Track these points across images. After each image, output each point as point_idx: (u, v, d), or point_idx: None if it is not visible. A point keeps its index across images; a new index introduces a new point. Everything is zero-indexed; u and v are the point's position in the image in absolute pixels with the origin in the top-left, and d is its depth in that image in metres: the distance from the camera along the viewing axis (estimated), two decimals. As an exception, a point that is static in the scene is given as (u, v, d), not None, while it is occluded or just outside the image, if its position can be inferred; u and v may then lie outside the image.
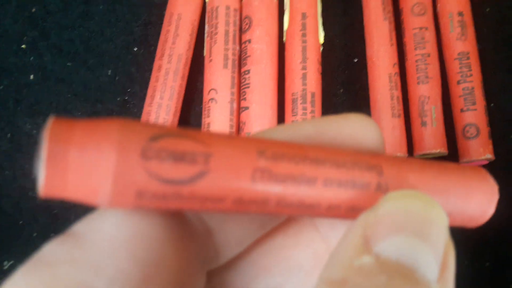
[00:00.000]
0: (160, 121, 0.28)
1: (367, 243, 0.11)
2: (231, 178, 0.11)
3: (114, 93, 0.30)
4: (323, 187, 0.12)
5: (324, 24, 0.30)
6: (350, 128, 0.14)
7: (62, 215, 0.29)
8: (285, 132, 0.13)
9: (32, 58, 0.31)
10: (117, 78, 0.31)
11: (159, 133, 0.10)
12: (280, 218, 0.15)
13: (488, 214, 0.14)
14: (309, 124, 0.14)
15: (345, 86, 0.30)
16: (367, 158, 0.12)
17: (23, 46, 0.32)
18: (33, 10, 0.32)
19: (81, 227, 0.11)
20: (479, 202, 0.14)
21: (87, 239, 0.11)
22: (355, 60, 0.31)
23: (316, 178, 0.12)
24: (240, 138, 0.12)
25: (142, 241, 0.11)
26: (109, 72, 0.31)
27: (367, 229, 0.11)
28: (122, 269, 0.10)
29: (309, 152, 0.12)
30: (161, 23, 0.30)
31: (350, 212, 0.12)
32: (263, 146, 0.11)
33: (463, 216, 0.14)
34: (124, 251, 0.10)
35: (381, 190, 0.12)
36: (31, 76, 0.31)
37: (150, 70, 0.30)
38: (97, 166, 0.10)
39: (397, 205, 0.11)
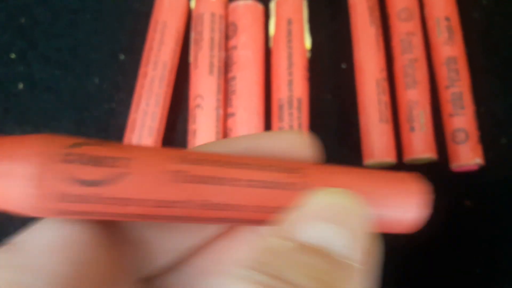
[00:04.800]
0: (146, 128, 0.28)
1: (291, 235, 0.11)
2: (151, 179, 0.11)
3: (101, 101, 0.30)
4: (247, 187, 0.12)
5: (311, 29, 0.30)
6: (284, 143, 0.14)
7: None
8: (220, 147, 0.14)
9: (21, 67, 0.31)
10: (104, 86, 0.31)
11: (80, 142, 0.11)
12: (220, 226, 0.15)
13: (419, 220, 0.14)
14: (244, 139, 0.14)
15: (333, 92, 0.30)
16: (292, 163, 0.13)
17: (12, 55, 0.32)
18: (22, 20, 0.32)
19: (21, 236, 0.12)
20: (409, 208, 0.14)
21: (26, 246, 0.12)
22: (343, 66, 0.31)
23: (239, 179, 0.12)
24: (162, 147, 0.12)
25: (74, 246, 0.12)
26: (96, 80, 0.31)
27: (292, 222, 0.12)
28: (56, 270, 0.11)
29: (232, 158, 0.12)
30: (147, 31, 0.30)
31: (278, 212, 0.12)
32: (185, 153, 0.12)
33: (393, 220, 0.14)
34: (58, 255, 0.12)
35: (306, 190, 0.12)
36: (20, 85, 0.31)
37: (136, 78, 0.30)
38: (20, 174, 0.10)
39: (320, 199, 0.12)
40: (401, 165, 0.28)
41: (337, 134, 0.29)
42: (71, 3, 0.32)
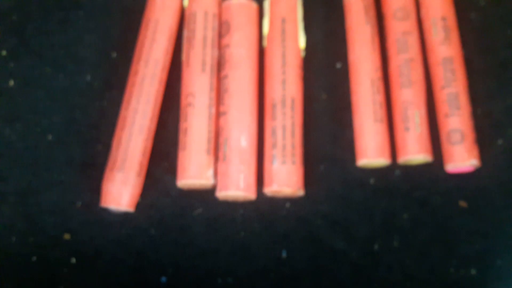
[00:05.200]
0: (137, 126, 0.27)
1: None
2: None
3: (92, 99, 0.30)
4: None
5: (305, 28, 0.30)
6: None
7: (40, 220, 0.28)
8: None
9: (12, 64, 0.31)
10: (95, 83, 0.30)
11: None
12: None
13: None
14: None
15: (328, 92, 0.30)
16: None
17: (3, 52, 0.31)
18: (13, 17, 0.32)
19: None
20: None
21: None
22: (338, 66, 0.30)
23: None
24: None
25: None
26: (88, 77, 0.30)
27: None
28: None
29: None
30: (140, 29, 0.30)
31: None
32: None
33: None
34: None
35: None
36: (11, 82, 0.31)
37: (128, 76, 0.29)
38: None
39: None
40: (395, 165, 0.28)
41: (331, 133, 0.29)
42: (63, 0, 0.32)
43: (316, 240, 0.27)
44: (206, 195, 0.28)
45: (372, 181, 0.28)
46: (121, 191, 0.26)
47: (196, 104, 0.28)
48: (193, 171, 0.26)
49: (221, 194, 0.26)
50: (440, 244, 0.27)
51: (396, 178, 0.28)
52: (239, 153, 0.27)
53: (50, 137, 0.29)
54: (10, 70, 0.31)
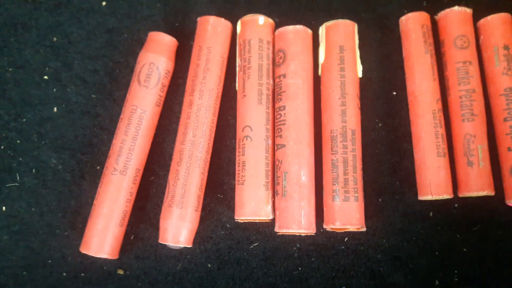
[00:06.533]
0: (194, 160, 0.27)
1: None
2: None
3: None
4: None
5: (360, 56, 0.29)
6: None
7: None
8: None
9: (55, 89, 0.30)
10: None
11: None
12: None
13: None
14: None
15: (383, 120, 0.29)
16: None
17: (46, 77, 0.30)
18: (54, 39, 0.31)
19: None
20: None
21: None
22: (394, 94, 0.29)
23: None
24: None
25: None
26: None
27: None
28: None
29: None
30: (188, 55, 0.29)
31: None
32: None
33: None
34: None
35: None
36: (55, 109, 0.30)
37: (178, 103, 0.29)
38: None
39: None
40: (455, 197, 0.27)
41: (389, 164, 0.28)
42: (106, 22, 0.31)
43: (376, 275, 0.27)
44: (262, 228, 0.27)
45: (431, 214, 0.27)
46: (179, 228, 0.26)
47: (254, 136, 0.27)
48: (252, 207, 0.26)
49: (281, 231, 0.26)
50: (500, 278, 0.26)
51: (455, 211, 0.27)
52: (299, 188, 0.26)
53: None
54: (53, 96, 0.30)
